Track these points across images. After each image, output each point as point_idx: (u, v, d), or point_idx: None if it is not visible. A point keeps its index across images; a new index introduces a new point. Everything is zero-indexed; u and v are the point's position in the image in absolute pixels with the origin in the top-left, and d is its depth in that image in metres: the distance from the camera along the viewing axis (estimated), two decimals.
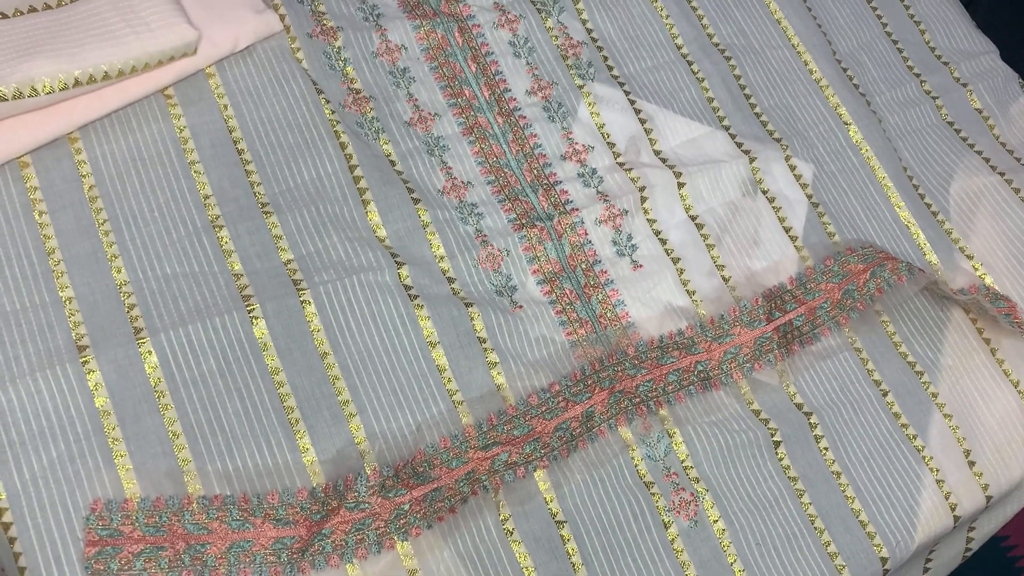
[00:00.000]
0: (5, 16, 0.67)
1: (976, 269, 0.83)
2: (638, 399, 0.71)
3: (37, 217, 0.66)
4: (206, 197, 0.70)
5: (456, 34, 0.81)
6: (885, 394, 0.76)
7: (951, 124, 0.90)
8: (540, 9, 0.85)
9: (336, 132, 0.74)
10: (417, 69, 0.79)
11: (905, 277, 0.77)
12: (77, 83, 0.66)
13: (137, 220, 0.68)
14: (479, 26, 0.82)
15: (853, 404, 0.76)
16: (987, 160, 0.88)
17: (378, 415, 0.66)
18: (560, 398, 0.69)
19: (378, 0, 0.81)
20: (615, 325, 0.74)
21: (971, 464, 0.76)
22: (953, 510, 0.74)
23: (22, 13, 0.67)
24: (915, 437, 0.75)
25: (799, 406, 0.74)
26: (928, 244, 0.83)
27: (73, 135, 0.69)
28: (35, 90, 0.64)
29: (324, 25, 0.78)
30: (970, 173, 0.88)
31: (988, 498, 0.75)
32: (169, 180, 0.70)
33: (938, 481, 0.74)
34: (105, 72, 0.67)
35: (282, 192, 0.71)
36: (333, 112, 0.75)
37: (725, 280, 0.78)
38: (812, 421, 0.74)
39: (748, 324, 0.75)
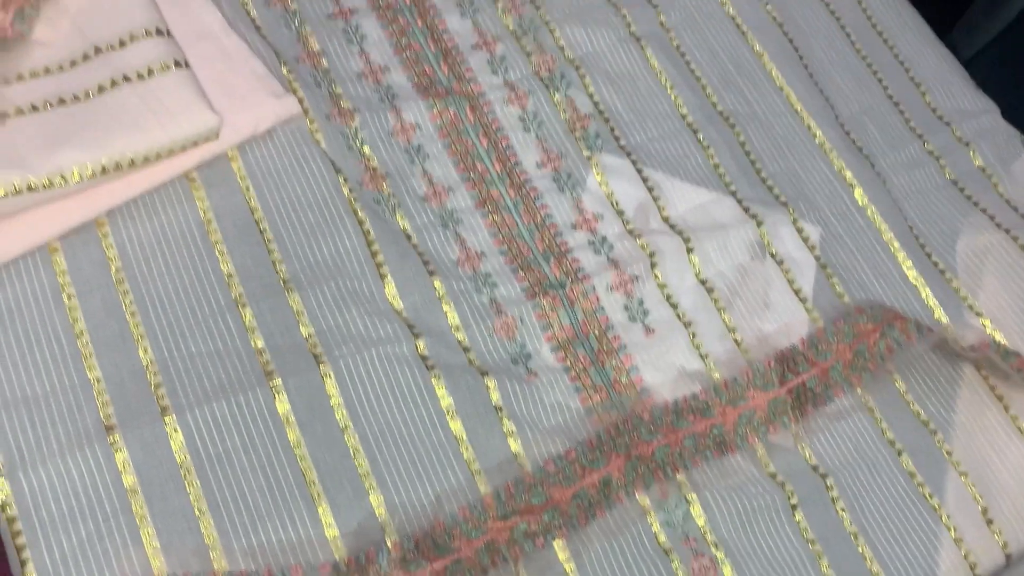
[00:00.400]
0: (36, 109, 0.70)
1: (986, 326, 0.84)
2: (655, 464, 0.71)
3: (66, 300, 0.69)
4: (229, 276, 0.72)
5: (468, 111, 0.84)
6: (900, 453, 0.77)
7: (955, 183, 0.92)
8: (548, 85, 0.87)
9: (354, 210, 0.77)
10: (431, 146, 0.82)
11: (915, 336, 0.78)
12: (105, 171, 0.69)
13: (163, 300, 0.70)
14: (489, 103, 0.85)
15: (868, 464, 0.76)
16: (992, 218, 0.90)
17: (397, 487, 0.67)
18: (577, 465, 0.70)
19: (392, 81, 0.84)
20: (630, 390, 0.75)
21: (989, 522, 0.76)
22: (973, 569, 0.74)
23: (52, 105, 0.71)
24: (931, 496, 0.76)
25: (815, 468, 0.75)
26: (937, 303, 0.84)
27: (100, 219, 0.72)
28: (64, 179, 0.67)
29: (341, 107, 0.81)
30: (976, 231, 0.89)
31: (1007, 556, 0.75)
32: (193, 260, 0.72)
33: (956, 540, 0.74)
34: (131, 160, 0.70)
35: (303, 269, 0.74)
36: (351, 190, 0.77)
37: (737, 343, 0.79)
38: (828, 483, 0.74)
39: (762, 387, 0.76)
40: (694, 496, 0.72)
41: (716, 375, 0.77)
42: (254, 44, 0.81)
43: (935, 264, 0.87)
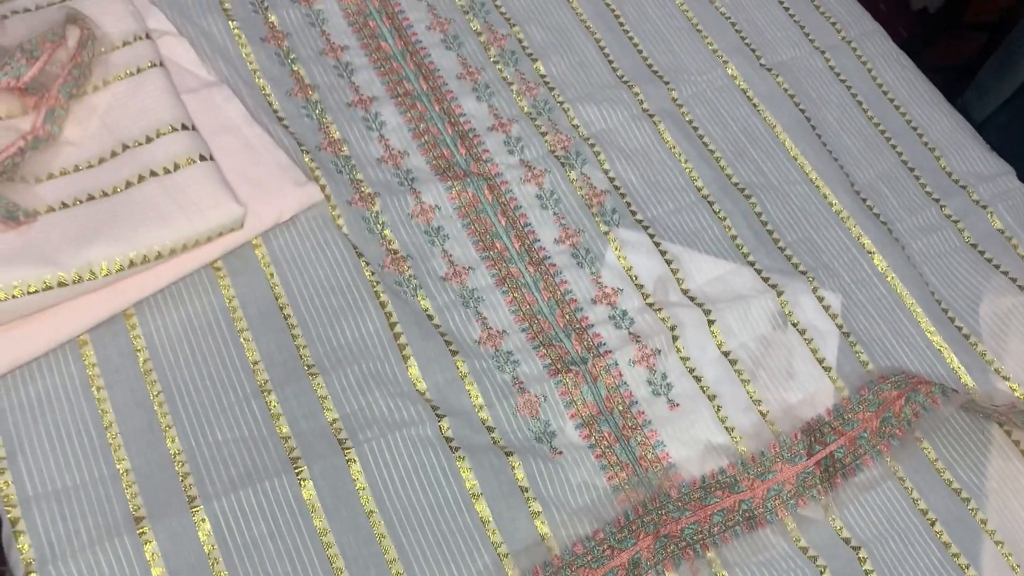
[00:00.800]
0: (66, 206, 0.72)
1: (1014, 390, 0.83)
2: (684, 543, 0.71)
3: (95, 393, 0.70)
4: (255, 363, 0.73)
5: (486, 191, 0.86)
6: (933, 523, 0.76)
7: (975, 246, 0.92)
8: (563, 163, 0.89)
9: (376, 292, 0.78)
10: (450, 227, 0.83)
11: (940, 399, 0.77)
12: (132, 264, 0.70)
13: (189, 389, 0.71)
14: (507, 182, 0.87)
15: (901, 535, 0.75)
16: (1014, 280, 0.90)
17: (424, 572, 0.67)
18: (605, 546, 0.69)
19: (411, 165, 0.86)
20: (656, 467, 0.75)
21: None
22: None
23: (81, 202, 0.73)
24: (967, 567, 0.74)
25: (846, 540, 0.74)
26: (962, 368, 0.83)
27: (128, 311, 0.73)
28: (94, 274, 0.69)
29: (362, 192, 0.83)
30: (998, 294, 0.89)
31: None
32: (219, 348, 0.73)
33: None
34: (159, 252, 0.71)
35: (326, 353, 0.74)
36: (373, 273, 0.78)
37: (763, 415, 0.79)
38: (861, 555, 0.73)
39: (789, 460, 0.75)
40: (725, 574, 0.71)
41: (743, 448, 0.77)
42: (276, 134, 0.83)
43: (959, 328, 0.86)
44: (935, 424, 0.80)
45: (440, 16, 0.96)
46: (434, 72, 0.92)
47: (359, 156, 0.85)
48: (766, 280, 0.85)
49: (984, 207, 0.94)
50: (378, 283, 0.78)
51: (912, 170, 0.96)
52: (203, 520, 0.66)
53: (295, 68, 0.89)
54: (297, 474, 0.68)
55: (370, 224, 0.82)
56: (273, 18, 0.92)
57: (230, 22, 0.89)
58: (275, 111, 0.86)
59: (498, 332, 0.79)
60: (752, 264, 0.86)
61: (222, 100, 0.83)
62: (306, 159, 0.82)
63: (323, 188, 0.82)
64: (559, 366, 0.78)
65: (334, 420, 0.72)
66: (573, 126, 0.92)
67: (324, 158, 0.84)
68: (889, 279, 0.87)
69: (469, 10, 0.97)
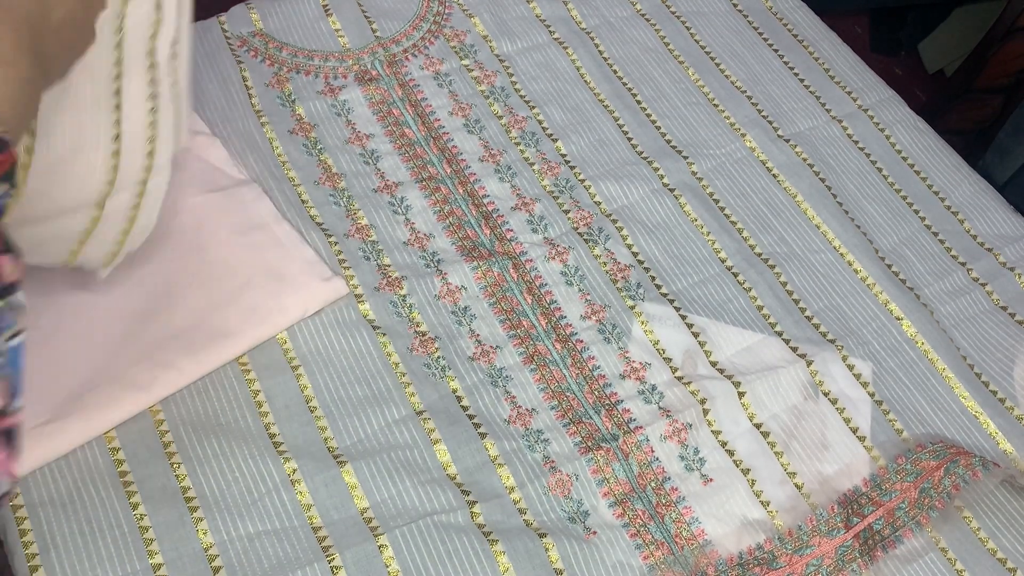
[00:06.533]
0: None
1: None
2: None
3: (125, 487, 0.70)
4: (282, 452, 0.73)
5: (511, 270, 0.87)
6: None
7: (1004, 308, 0.91)
8: (587, 240, 0.90)
9: (404, 380, 0.78)
10: (477, 306, 0.84)
11: (980, 472, 0.76)
12: None
13: (219, 480, 0.71)
14: (531, 260, 0.88)
15: None
16: None
17: None
18: None
19: (437, 247, 0.87)
20: (692, 544, 0.74)
21: None
22: None
23: None
24: None
25: None
26: (1000, 433, 0.82)
27: (155, 407, 0.74)
28: None
29: (389, 277, 0.84)
30: None
31: None
32: (246, 440, 0.73)
33: None
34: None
35: (354, 444, 0.74)
36: (401, 358, 0.79)
37: (798, 488, 0.78)
38: None
39: (827, 533, 0.74)
40: None
41: (779, 523, 0.75)
42: (305, 229, 0.85)
43: (993, 392, 0.85)
44: (978, 496, 0.78)
45: (462, 102, 0.98)
46: (457, 156, 0.94)
47: (386, 241, 0.86)
48: (795, 350, 0.85)
49: (1011, 268, 0.94)
50: (405, 368, 0.79)
51: (936, 234, 0.96)
52: None
53: (322, 157, 0.91)
54: (329, 561, 0.68)
55: (398, 308, 0.82)
56: (300, 110, 0.94)
57: (259, 117, 0.92)
58: (304, 200, 0.87)
59: (527, 411, 0.79)
60: (780, 334, 0.86)
61: (252, 198, 0.85)
62: (334, 247, 0.84)
63: (351, 277, 0.83)
64: (590, 444, 0.77)
65: (364, 509, 0.71)
66: (595, 203, 0.93)
67: (352, 245, 0.85)
68: (919, 345, 0.87)
69: (489, 95, 1.00)
